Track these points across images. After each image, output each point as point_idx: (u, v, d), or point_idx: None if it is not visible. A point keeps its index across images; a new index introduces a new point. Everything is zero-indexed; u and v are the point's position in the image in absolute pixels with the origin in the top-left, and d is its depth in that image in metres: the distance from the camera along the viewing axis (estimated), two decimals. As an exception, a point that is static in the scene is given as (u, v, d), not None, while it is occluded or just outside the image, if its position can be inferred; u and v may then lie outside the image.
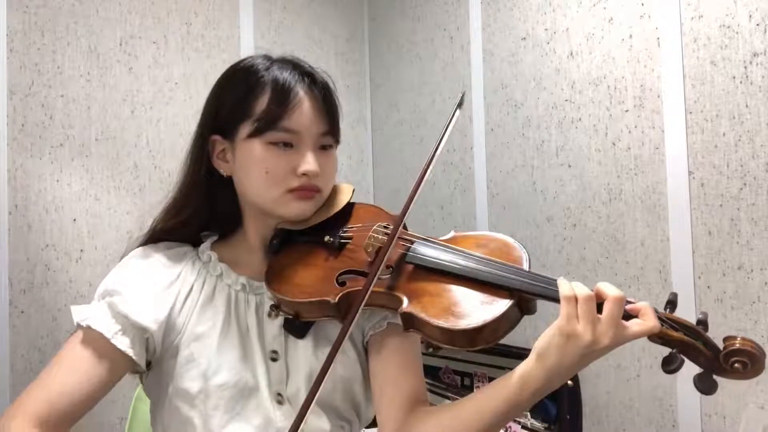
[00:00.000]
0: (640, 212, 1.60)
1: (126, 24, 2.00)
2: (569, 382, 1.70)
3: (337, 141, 0.97)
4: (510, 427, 1.67)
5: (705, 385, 0.72)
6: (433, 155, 0.86)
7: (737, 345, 0.71)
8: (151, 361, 0.92)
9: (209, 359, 0.88)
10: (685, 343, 0.73)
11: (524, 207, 1.92)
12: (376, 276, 0.80)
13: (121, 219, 1.94)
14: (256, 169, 0.90)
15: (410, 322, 0.80)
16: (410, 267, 0.85)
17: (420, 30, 2.34)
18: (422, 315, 0.78)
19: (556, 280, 0.76)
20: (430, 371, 1.93)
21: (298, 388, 0.89)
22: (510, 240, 0.87)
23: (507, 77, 1.97)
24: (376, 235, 0.90)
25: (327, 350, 0.90)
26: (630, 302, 0.74)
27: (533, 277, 0.78)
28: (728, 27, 1.42)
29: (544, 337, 0.75)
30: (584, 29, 1.73)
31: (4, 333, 1.74)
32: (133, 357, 0.86)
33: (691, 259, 1.48)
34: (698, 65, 1.48)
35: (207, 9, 2.17)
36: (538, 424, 1.63)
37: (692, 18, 1.48)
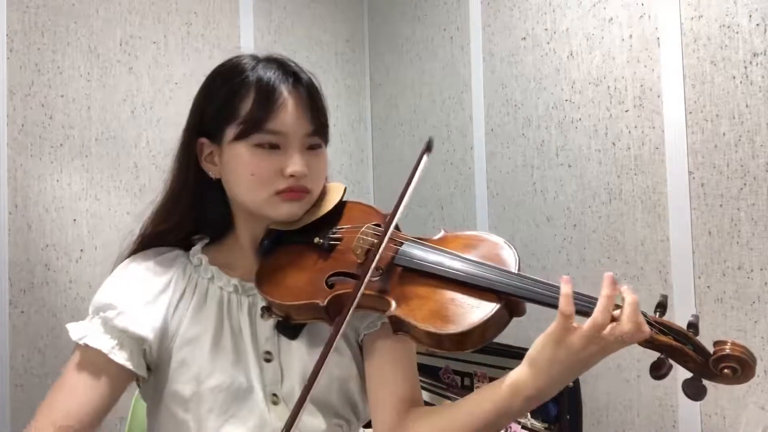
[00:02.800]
0: (640, 212, 1.60)
1: (126, 24, 2.00)
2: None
3: (325, 141, 0.95)
4: (510, 427, 1.67)
5: (693, 391, 0.71)
6: (400, 201, 0.83)
7: (727, 350, 0.70)
8: (151, 367, 0.92)
9: (202, 362, 0.87)
10: (673, 347, 0.72)
11: (524, 207, 1.92)
12: (366, 279, 0.79)
13: (121, 219, 1.94)
14: (243, 171, 0.89)
15: (398, 325, 0.79)
16: (399, 269, 0.84)
17: (420, 30, 2.34)
18: (409, 319, 0.77)
19: (544, 283, 0.75)
20: (430, 371, 1.93)
21: (293, 387, 0.89)
22: (499, 240, 0.86)
23: (507, 77, 1.97)
24: (364, 237, 0.89)
25: (320, 350, 0.91)
26: (618, 306, 0.73)
27: (521, 280, 0.77)
28: (728, 27, 1.42)
29: (536, 345, 0.75)
30: (584, 29, 1.73)
31: (4, 333, 1.74)
32: (133, 369, 0.87)
33: (691, 259, 1.48)
34: (698, 65, 1.48)
35: (207, 9, 2.17)
36: (538, 424, 1.63)
37: (692, 18, 1.48)
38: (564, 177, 1.79)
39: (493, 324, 0.76)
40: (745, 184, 1.39)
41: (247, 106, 0.88)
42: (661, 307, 0.76)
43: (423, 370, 1.94)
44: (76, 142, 1.89)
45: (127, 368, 0.86)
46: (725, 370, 0.69)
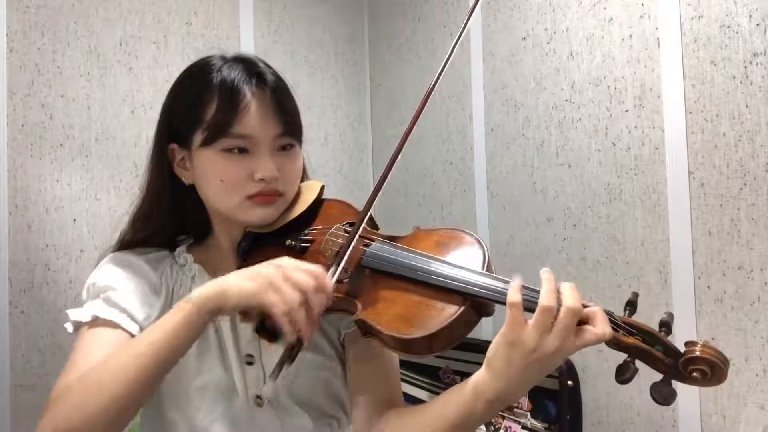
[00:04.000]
0: (640, 212, 1.60)
1: (126, 24, 2.00)
2: (569, 382, 1.68)
3: (298, 140, 0.93)
4: (510, 427, 1.67)
5: (661, 394, 0.67)
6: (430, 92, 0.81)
7: (696, 352, 0.67)
8: None
9: (189, 362, 0.87)
10: (640, 349, 0.68)
11: (524, 207, 1.92)
12: (333, 280, 0.77)
13: (121, 219, 1.94)
14: (212, 178, 0.88)
15: (366, 329, 0.77)
16: (367, 270, 0.83)
17: (420, 30, 2.34)
18: (375, 323, 0.75)
19: (509, 283, 0.72)
20: (430, 371, 1.93)
21: (276, 390, 0.88)
22: (469, 237, 0.83)
23: (507, 77, 1.97)
24: (333, 239, 0.87)
25: (304, 352, 0.90)
26: (585, 305, 0.69)
27: (486, 281, 0.74)
28: (728, 27, 1.42)
29: (491, 346, 0.72)
30: (584, 29, 1.73)
31: (4, 333, 1.74)
32: None
33: (691, 259, 1.48)
34: (698, 65, 1.48)
35: (207, 9, 2.17)
36: (538, 424, 1.63)
37: (692, 18, 1.48)
38: (564, 177, 1.79)
39: (459, 326, 0.73)
40: (745, 184, 1.39)
41: (211, 110, 0.87)
42: (630, 305, 0.73)
43: (423, 370, 1.94)
44: (76, 142, 1.89)
45: None
46: (694, 373, 0.67)
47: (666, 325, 0.71)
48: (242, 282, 0.75)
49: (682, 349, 0.69)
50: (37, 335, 1.80)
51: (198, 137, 0.88)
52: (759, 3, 1.36)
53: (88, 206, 1.90)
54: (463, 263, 0.78)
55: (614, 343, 0.69)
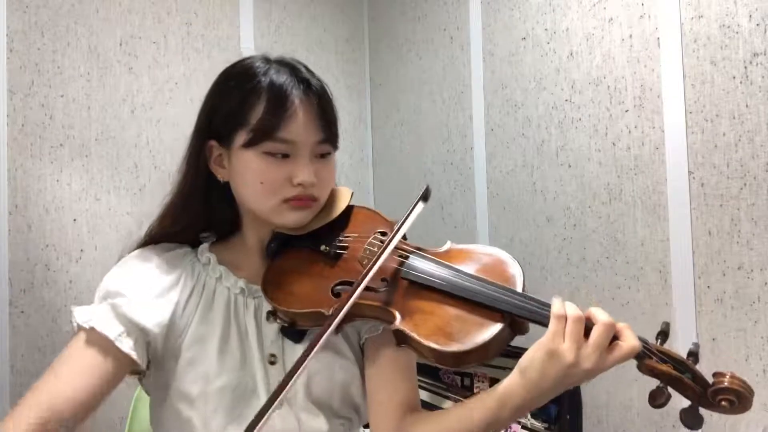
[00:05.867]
0: (640, 212, 1.60)
1: (126, 24, 2.00)
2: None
3: (335, 148, 0.95)
4: (510, 427, 1.67)
5: (691, 420, 0.72)
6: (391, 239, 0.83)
7: (725, 383, 0.70)
8: (151, 361, 0.92)
9: (210, 362, 0.87)
10: (672, 376, 0.72)
11: (524, 207, 1.92)
12: (360, 287, 0.78)
13: (121, 219, 1.94)
14: (251, 178, 0.89)
15: (403, 339, 0.79)
16: (405, 282, 0.84)
17: (420, 30, 2.34)
18: (414, 334, 0.77)
19: (549, 304, 0.75)
20: (430, 371, 1.93)
21: (297, 391, 0.89)
22: (505, 257, 0.85)
23: (507, 77, 1.97)
24: (371, 248, 0.89)
25: (325, 354, 0.91)
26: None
27: (526, 300, 0.76)
28: (728, 27, 1.42)
29: (528, 353, 0.74)
30: (584, 29, 1.73)
31: (4, 333, 1.74)
32: (136, 359, 0.86)
33: (691, 259, 1.48)
34: (698, 65, 1.48)
35: (207, 9, 2.17)
36: (538, 424, 1.63)
37: (692, 18, 1.48)
38: (564, 177, 1.79)
39: (496, 343, 0.75)
40: (745, 184, 1.39)
41: (258, 113, 0.87)
42: (663, 334, 0.76)
43: (423, 370, 1.94)
44: (76, 142, 1.89)
45: (131, 357, 0.85)
46: (723, 402, 0.70)
47: (694, 355, 0.74)
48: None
49: (710, 379, 0.72)
50: (37, 335, 1.80)
51: (241, 137, 0.88)
52: (759, 3, 1.36)
53: (88, 206, 1.90)
54: (503, 281, 0.80)
55: (648, 370, 0.73)
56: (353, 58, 2.58)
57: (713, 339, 1.42)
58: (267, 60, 0.93)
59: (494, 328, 0.75)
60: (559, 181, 1.81)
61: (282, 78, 0.89)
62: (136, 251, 0.95)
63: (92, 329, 0.85)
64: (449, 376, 1.90)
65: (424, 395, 1.93)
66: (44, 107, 1.85)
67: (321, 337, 0.75)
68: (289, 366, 0.89)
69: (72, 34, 1.91)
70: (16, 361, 1.76)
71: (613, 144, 1.66)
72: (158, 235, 0.97)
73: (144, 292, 0.89)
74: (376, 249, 0.88)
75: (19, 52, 1.82)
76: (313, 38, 2.44)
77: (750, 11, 1.38)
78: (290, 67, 0.92)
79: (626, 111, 1.63)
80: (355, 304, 0.79)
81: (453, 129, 2.19)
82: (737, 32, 1.40)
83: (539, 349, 0.73)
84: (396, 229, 0.85)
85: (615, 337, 0.73)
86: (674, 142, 1.52)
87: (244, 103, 0.88)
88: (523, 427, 1.65)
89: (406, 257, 0.86)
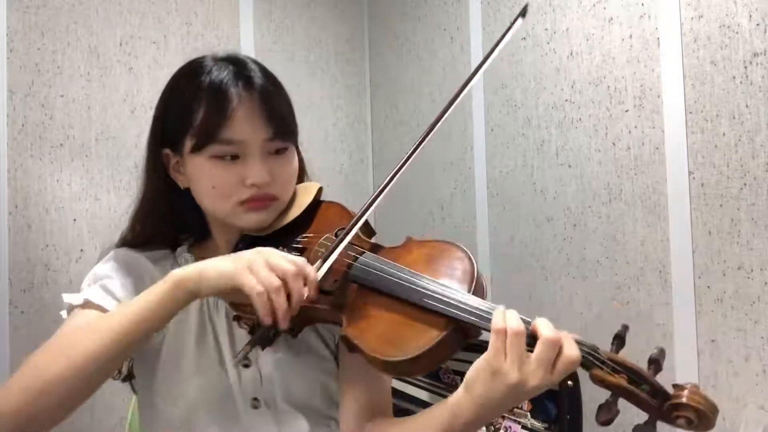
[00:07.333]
0: (640, 212, 1.60)
1: (126, 24, 2.00)
2: (569, 382, 1.68)
3: (291, 142, 0.91)
4: (510, 427, 1.67)
5: None
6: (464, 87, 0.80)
7: (683, 399, 0.62)
8: (133, 362, 0.92)
9: (189, 361, 0.87)
10: (624, 389, 0.65)
11: (524, 207, 1.92)
12: (318, 273, 0.76)
13: (121, 219, 1.93)
14: (204, 184, 0.87)
15: (350, 345, 0.75)
16: (355, 285, 0.80)
17: (420, 30, 2.34)
18: (358, 342, 0.73)
19: (493, 310, 0.69)
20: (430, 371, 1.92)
21: (272, 392, 0.88)
22: (461, 253, 0.79)
23: (507, 77, 1.97)
24: (320, 249, 0.85)
25: (302, 356, 0.90)
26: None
27: (471, 305, 0.71)
28: (728, 27, 1.42)
29: (472, 369, 0.70)
30: (584, 29, 1.73)
31: (4, 333, 1.74)
32: None
33: (691, 259, 1.48)
34: (698, 65, 1.48)
35: (207, 9, 2.17)
36: (538, 424, 1.63)
37: (692, 18, 1.48)
38: (564, 177, 1.79)
39: (443, 348, 0.70)
40: (745, 184, 1.39)
41: (199, 115, 0.85)
42: (618, 339, 0.69)
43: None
44: (76, 142, 1.89)
45: None
46: (679, 420, 0.62)
47: (655, 362, 0.66)
48: (221, 264, 0.75)
49: (670, 390, 0.65)
50: (37, 335, 1.80)
51: (189, 143, 0.86)
52: (759, 3, 1.36)
53: (88, 206, 1.90)
54: (451, 282, 0.75)
55: (598, 381, 0.66)
56: (353, 58, 2.58)
57: (713, 339, 1.42)
58: (214, 59, 0.90)
59: (435, 335, 0.70)
60: (559, 181, 1.81)
61: (221, 76, 0.86)
62: (117, 250, 0.95)
63: (87, 302, 0.85)
64: (449, 376, 1.90)
65: (424, 395, 1.93)
66: (44, 107, 1.85)
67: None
68: (263, 368, 0.88)
69: (72, 34, 1.91)
70: (16, 361, 1.76)
71: (613, 144, 1.66)
72: (131, 240, 0.96)
73: (130, 282, 0.89)
74: (323, 250, 0.83)
75: (19, 52, 1.82)
76: (313, 38, 2.44)
77: (750, 11, 1.38)
78: (233, 63, 0.89)
79: (626, 111, 1.63)
80: (307, 308, 0.76)
81: (453, 129, 2.19)
82: (737, 32, 1.40)
83: (482, 368, 0.69)
84: (346, 229, 0.81)
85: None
86: (674, 142, 1.52)
87: (187, 106, 0.86)
88: (523, 427, 1.65)
89: (357, 258, 0.81)
